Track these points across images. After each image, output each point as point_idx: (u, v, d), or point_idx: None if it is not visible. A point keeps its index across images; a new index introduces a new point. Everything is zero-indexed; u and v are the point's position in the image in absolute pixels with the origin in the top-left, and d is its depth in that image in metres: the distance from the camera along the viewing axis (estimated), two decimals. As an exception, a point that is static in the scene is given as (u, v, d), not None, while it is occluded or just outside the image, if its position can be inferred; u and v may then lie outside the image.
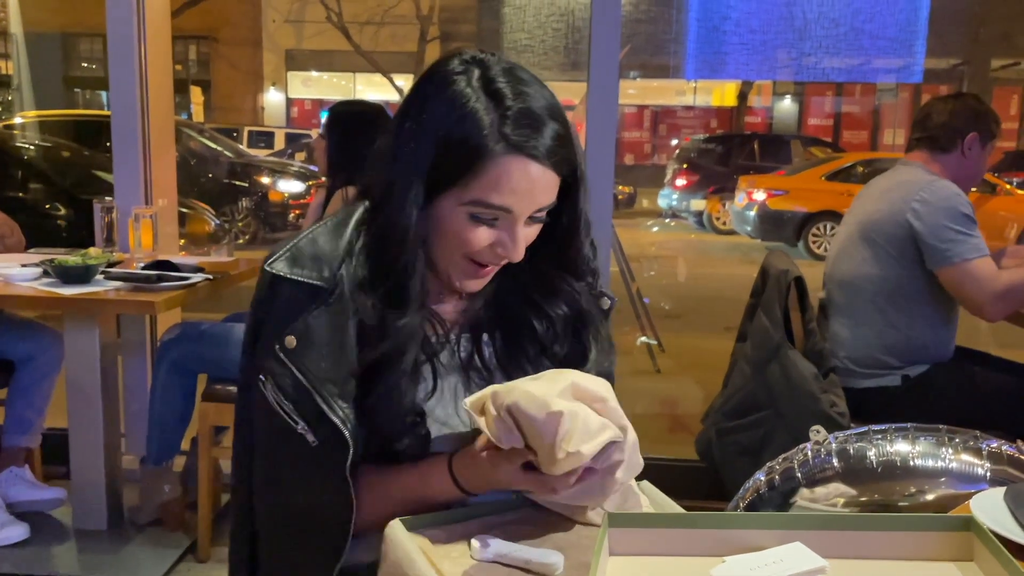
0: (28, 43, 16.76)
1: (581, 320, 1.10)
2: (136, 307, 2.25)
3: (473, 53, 1.02)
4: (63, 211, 6.77)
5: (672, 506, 1.02)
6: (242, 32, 18.85)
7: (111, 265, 2.45)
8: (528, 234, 1.03)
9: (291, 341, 0.99)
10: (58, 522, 2.60)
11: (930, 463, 1.14)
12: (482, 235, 1.00)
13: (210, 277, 2.42)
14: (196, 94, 19.76)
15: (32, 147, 8.17)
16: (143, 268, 2.43)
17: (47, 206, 6.70)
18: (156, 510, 2.59)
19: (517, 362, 1.09)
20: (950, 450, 1.14)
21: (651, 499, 1.05)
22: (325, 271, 1.02)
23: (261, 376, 1.01)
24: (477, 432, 0.98)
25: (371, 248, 1.03)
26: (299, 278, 1.01)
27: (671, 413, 4.21)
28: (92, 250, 2.57)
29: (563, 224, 1.07)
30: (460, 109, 0.97)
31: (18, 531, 2.48)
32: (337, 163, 2.65)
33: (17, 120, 11.39)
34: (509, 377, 1.07)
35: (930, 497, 1.15)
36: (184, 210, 7.19)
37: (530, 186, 0.98)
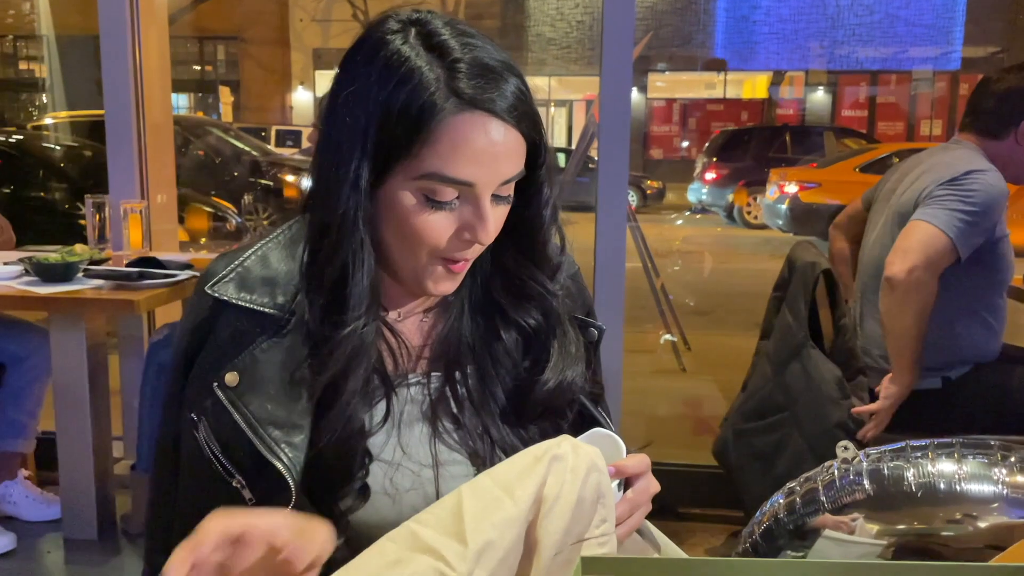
0: (60, 45, 16.97)
1: (549, 326, 0.94)
2: (116, 306, 2.14)
3: (409, 13, 0.86)
4: (83, 209, 6.77)
5: (677, 553, 0.86)
6: (270, 32, 18.93)
7: (97, 263, 2.34)
8: (496, 216, 0.86)
9: (233, 378, 0.84)
10: (46, 531, 2.50)
11: (979, 487, 0.96)
12: (441, 223, 0.83)
13: (197, 274, 2.29)
14: (225, 94, 19.88)
15: (57, 147, 8.19)
16: (128, 265, 2.31)
17: (67, 205, 6.69)
18: (148, 519, 2.48)
19: (490, 391, 0.93)
20: (1003, 470, 0.97)
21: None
22: (279, 297, 0.87)
23: (193, 415, 0.86)
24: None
25: (310, 245, 0.88)
26: (246, 304, 0.86)
27: (696, 414, 4.04)
28: (78, 247, 2.47)
29: (527, 206, 0.90)
30: (399, 69, 0.81)
31: (4, 541, 2.38)
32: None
33: (47, 120, 11.49)
34: (479, 415, 0.91)
35: (981, 525, 0.98)
36: (207, 208, 7.18)
37: (492, 150, 0.81)
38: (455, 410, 0.92)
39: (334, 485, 0.85)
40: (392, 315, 0.93)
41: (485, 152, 0.81)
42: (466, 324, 0.94)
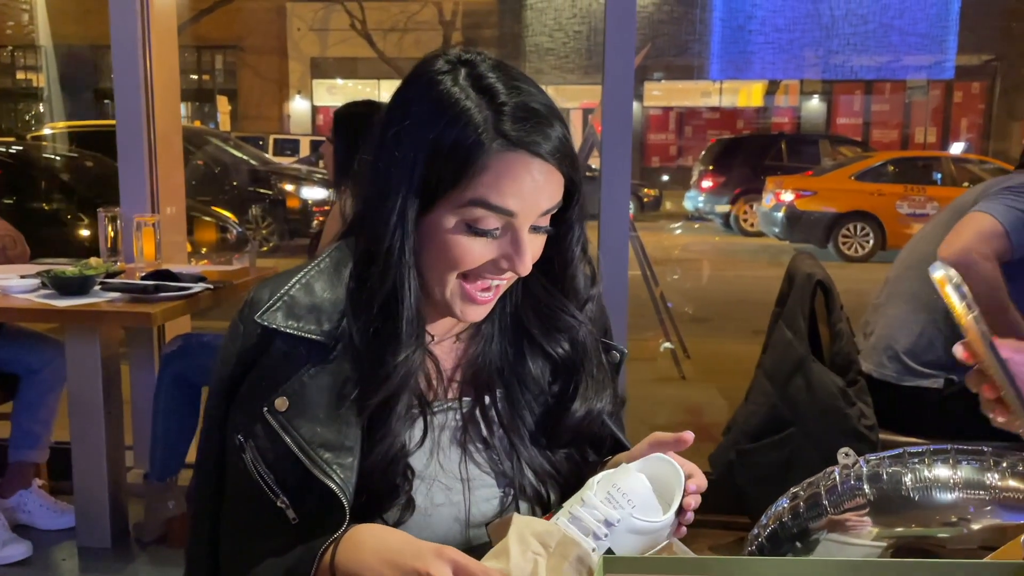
0: (58, 55, 16.97)
1: (577, 355, 0.99)
2: (132, 319, 2.19)
3: (459, 53, 0.91)
4: (86, 221, 6.77)
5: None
6: (267, 41, 18.95)
7: (112, 276, 2.39)
8: (534, 245, 0.90)
9: (282, 403, 0.88)
10: (61, 539, 2.54)
11: (973, 492, 1.02)
12: (480, 248, 0.88)
13: (211, 287, 2.35)
14: (223, 103, 19.90)
15: (58, 158, 8.20)
16: (143, 278, 2.36)
17: (68, 216, 6.71)
18: (161, 527, 2.52)
19: (519, 415, 0.98)
20: (996, 475, 1.02)
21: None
22: (325, 324, 0.91)
23: (239, 438, 0.90)
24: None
25: (356, 271, 0.92)
26: (294, 331, 0.90)
27: (696, 421, 4.08)
28: (93, 260, 2.51)
29: (560, 241, 0.95)
30: (449, 110, 0.86)
31: (20, 549, 2.42)
32: (345, 168, 2.55)
33: (46, 131, 11.49)
34: (508, 437, 0.97)
35: (975, 527, 1.03)
36: (207, 219, 7.19)
37: (534, 187, 0.87)
38: (485, 433, 0.96)
39: (381, 500, 0.90)
40: (428, 337, 0.97)
41: (527, 189, 0.86)
42: (495, 349, 0.99)
